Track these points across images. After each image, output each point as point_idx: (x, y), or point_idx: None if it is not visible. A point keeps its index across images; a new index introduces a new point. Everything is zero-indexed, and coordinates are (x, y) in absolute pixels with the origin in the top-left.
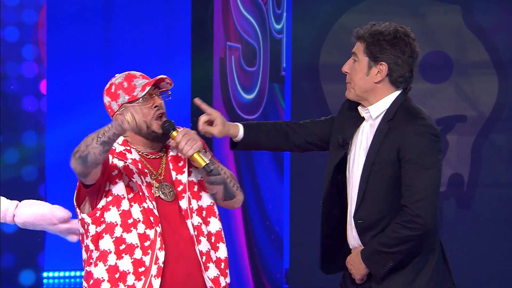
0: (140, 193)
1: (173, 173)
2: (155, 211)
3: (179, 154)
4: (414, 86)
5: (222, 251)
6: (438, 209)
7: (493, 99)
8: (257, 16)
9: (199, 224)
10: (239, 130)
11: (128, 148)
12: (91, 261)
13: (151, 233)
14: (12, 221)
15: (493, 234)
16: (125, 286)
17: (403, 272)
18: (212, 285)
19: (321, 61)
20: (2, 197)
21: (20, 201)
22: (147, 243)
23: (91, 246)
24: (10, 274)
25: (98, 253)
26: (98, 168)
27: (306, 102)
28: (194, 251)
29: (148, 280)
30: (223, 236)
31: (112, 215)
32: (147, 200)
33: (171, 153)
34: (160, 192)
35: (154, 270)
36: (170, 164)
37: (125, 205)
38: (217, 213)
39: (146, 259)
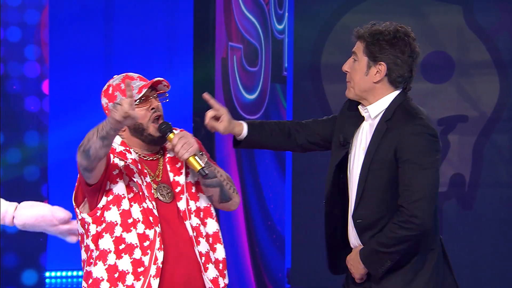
0: (140, 193)
1: (171, 175)
2: (155, 211)
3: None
4: (415, 86)
5: (220, 252)
6: (437, 209)
7: (495, 99)
8: (259, 16)
9: (197, 225)
10: (243, 129)
11: (128, 148)
12: (91, 261)
13: (150, 233)
14: (12, 223)
15: (495, 234)
16: (124, 286)
17: (401, 272)
18: (212, 286)
19: (323, 61)
20: (1, 199)
21: (20, 202)
22: (146, 243)
23: (92, 246)
24: (13, 274)
25: (98, 252)
26: (102, 164)
27: (307, 102)
28: (193, 252)
29: (147, 280)
30: (221, 237)
31: (112, 215)
32: (147, 200)
33: (168, 155)
34: (158, 194)
35: (153, 270)
36: (168, 166)
37: (125, 204)
38: (214, 214)
39: (145, 259)
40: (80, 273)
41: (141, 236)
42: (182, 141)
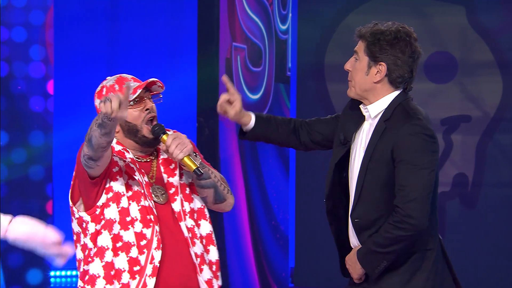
0: (142, 191)
1: (165, 176)
2: (155, 210)
3: (170, 157)
4: (418, 86)
5: (214, 254)
6: (436, 209)
7: (498, 99)
8: (262, 17)
9: (192, 226)
10: (251, 119)
11: (125, 147)
12: (89, 259)
13: (148, 232)
14: (3, 236)
15: (498, 233)
16: (119, 284)
17: (399, 272)
18: (206, 287)
19: (326, 61)
20: None
21: (15, 216)
22: (143, 242)
23: (90, 245)
24: (17, 273)
25: (96, 249)
26: (107, 155)
27: (311, 102)
28: (189, 253)
29: (143, 279)
30: (214, 238)
31: (112, 212)
32: (147, 199)
33: (162, 156)
34: (153, 195)
35: (149, 269)
36: (161, 167)
37: (124, 202)
38: (207, 215)
39: (142, 258)
40: None
41: (138, 235)
42: (176, 142)
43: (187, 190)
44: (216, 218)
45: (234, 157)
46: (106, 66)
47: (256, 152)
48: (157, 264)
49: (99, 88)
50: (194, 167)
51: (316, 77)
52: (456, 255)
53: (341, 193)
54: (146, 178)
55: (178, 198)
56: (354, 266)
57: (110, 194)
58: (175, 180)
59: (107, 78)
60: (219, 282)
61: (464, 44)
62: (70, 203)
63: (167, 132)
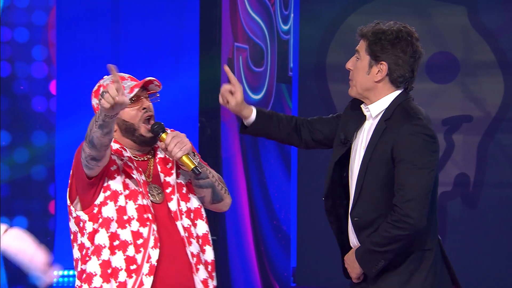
0: (140, 189)
1: (162, 175)
2: (152, 208)
3: (167, 156)
4: (420, 87)
5: (209, 254)
6: (435, 210)
7: (499, 99)
8: (264, 17)
9: (188, 226)
10: (252, 113)
11: (123, 146)
12: (86, 258)
13: (144, 231)
14: None
15: (499, 233)
16: (116, 282)
17: (397, 272)
18: (202, 287)
19: (328, 62)
20: None
21: (11, 226)
22: (139, 241)
23: (87, 244)
24: (20, 273)
25: (93, 247)
26: (109, 152)
27: (313, 102)
28: (185, 252)
29: (139, 278)
30: (210, 239)
31: (109, 210)
32: (145, 197)
33: (159, 155)
34: (149, 194)
35: (145, 268)
36: (158, 166)
37: (121, 201)
38: (204, 215)
39: (138, 257)
40: None
41: (134, 233)
42: (175, 140)
43: (184, 190)
44: (218, 218)
45: (236, 157)
46: None
47: (258, 152)
48: (154, 263)
49: (96, 87)
50: (192, 166)
51: (318, 77)
52: (457, 255)
53: (341, 192)
54: (143, 177)
55: (175, 197)
56: (352, 266)
57: (108, 193)
58: (172, 179)
59: (105, 77)
60: (214, 283)
61: (466, 45)
62: (68, 202)
63: (166, 130)
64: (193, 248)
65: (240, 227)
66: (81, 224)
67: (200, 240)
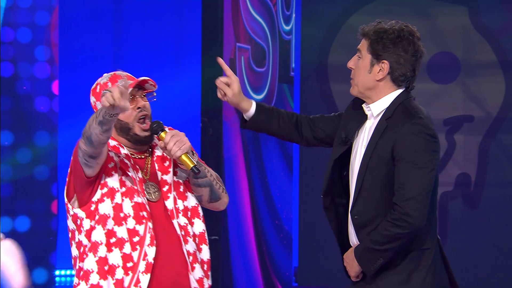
0: (136, 187)
1: (159, 173)
2: (147, 206)
3: (166, 155)
4: (421, 87)
5: (205, 253)
6: (435, 210)
7: (500, 99)
8: (266, 18)
9: (185, 224)
10: (251, 107)
11: (120, 143)
12: (84, 256)
13: (140, 229)
14: None
15: (500, 233)
16: (113, 279)
17: (396, 271)
18: (197, 286)
19: (330, 62)
20: None
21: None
22: (136, 239)
23: (85, 241)
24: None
25: (90, 244)
26: (105, 150)
27: (314, 102)
28: (181, 250)
29: (136, 275)
30: (206, 238)
31: (106, 207)
32: (140, 195)
33: (156, 153)
34: (146, 192)
35: (142, 266)
36: (156, 164)
37: (118, 198)
38: (201, 214)
39: (135, 255)
40: None
41: (131, 231)
42: (174, 139)
43: (181, 188)
44: (220, 218)
45: (238, 157)
46: (110, 67)
47: (260, 152)
48: (151, 260)
49: (94, 86)
50: (191, 165)
51: (319, 77)
52: (458, 255)
53: (341, 190)
54: (140, 175)
55: (171, 195)
56: (351, 264)
57: (105, 190)
58: (168, 177)
59: (104, 75)
60: (210, 282)
61: (467, 45)
62: (65, 199)
63: (165, 129)
64: (189, 246)
65: (242, 227)
66: (79, 222)
67: (197, 238)
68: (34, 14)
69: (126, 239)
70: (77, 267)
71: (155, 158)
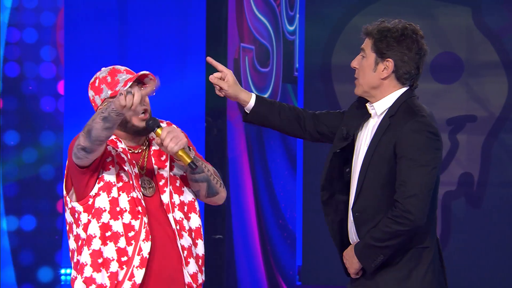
0: (131, 182)
1: (155, 167)
2: (143, 201)
3: (163, 151)
4: (425, 86)
5: (200, 248)
6: (435, 209)
7: (503, 99)
8: (270, 18)
9: (180, 219)
10: (251, 99)
11: (117, 137)
12: (82, 250)
13: (136, 224)
14: None
15: (503, 233)
16: (108, 272)
17: (396, 269)
18: (191, 281)
19: (333, 62)
20: None
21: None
22: (131, 234)
23: (83, 235)
24: (29, 271)
25: (86, 237)
26: (101, 149)
27: (318, 102)
28: (176, 245)
29: (130, 270)
30: (202, 233)
31: (102, 201)
32: (136, 190)
33: (153, 148)
34: (141, 187)
35: (136, 260)
36: (152, 159)
37: (114, 192)
38: (197, 209)
39: (129, 249)
40: None
41: (126, 226)
42: (170, 135)
43: (177, 183)
44: (224, 217)
45: (242, 156)
46: None
47: (264, 151)
48: (146, 255)
49: (92, 79)
50: (188, 161)
51: (323, 78)
52: (461, 254)
53: (342, 187)
54: (136, 170)
55: (167, 190)
56: (351, 261)
57: (101, 183)
58: (165, 171)
59: (102, 68)
60: (203, 277)
61: (470, 45)
62: (64, 192)
63: (161, 124)
64: (184, 241)
65: (246, 226)
66: (76, 215)
67: (193, 233)
68: (40, 14)
69: (121, 233)
70: (74, 260)
71: (152, 152)
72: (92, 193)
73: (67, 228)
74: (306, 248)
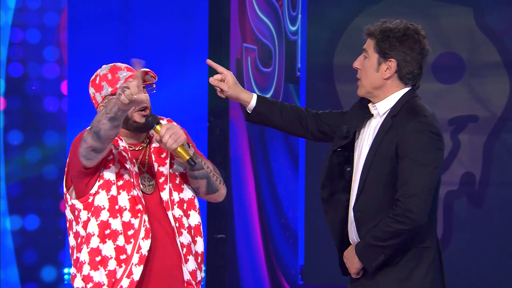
0: (131, 180)
1: (155, 165)
2: (143, 199)
3: (162, 147)
4: (427, 87)
5: (200, 245)
6: (436, 209)
7: (505, 99)
8: (272, 18)
9: (180, 216)
10: (252, 99)
11: (118, 135)
12: (81, 247)
13: (135, 222)
14: None
15: (504, 233)
16: (105, 270)
17: (397, 268)
18: (190, 278)
19: (335, 62)
20: None
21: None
22: (130, 232)
23: (82, 232)
24: (32, 270)
25: (85, 235)
26: (109, 146)
27: (320, 102)
28: (175, 242)
29: (129, 267)
30: (201, 230)
31: (101, 199)
32: (136, 188)
33: (153, 145)
34: (141, 185)
35: (135, 258)
36: (153, 156)
37: (114, 190)
38: (197, 206)
39: (128, 248)
40: None
41: (125, 224)
42: (169, 132)
43: (177, 180)
44: (226, 217)
45: (244, 156)
46: None
47: (267, 151)
48: (145, 253)
49: (93, 77)
50: (187, 157)
51: (325, 78)
52: (463, 254)
53: (343, 186)
54: (136, 168)
55: (167, 187)
56: (352, 261)
57: (101, 181)
58: (165, 169)
59: (103, 66)
60: (202, 274)
61: (472, 45)
62: (64, 189)
63: (161, 121)
64: (183, 238)
65: (248, 226)
66: (76, 213)
67: (192, 231)
68: (43, 15)
69: (120, 232)
70: (74, 257)
71: (152, 150)
72: (92, 191)
73: (67, 225)
74: (308, 248)
